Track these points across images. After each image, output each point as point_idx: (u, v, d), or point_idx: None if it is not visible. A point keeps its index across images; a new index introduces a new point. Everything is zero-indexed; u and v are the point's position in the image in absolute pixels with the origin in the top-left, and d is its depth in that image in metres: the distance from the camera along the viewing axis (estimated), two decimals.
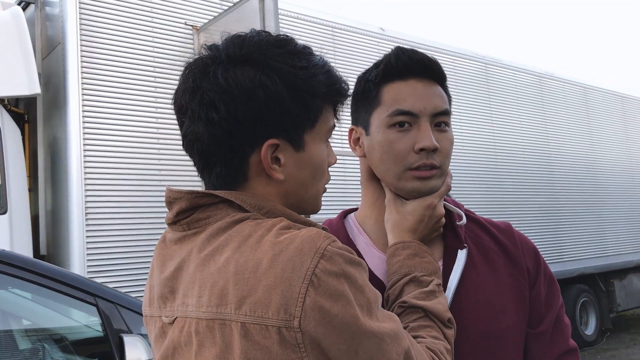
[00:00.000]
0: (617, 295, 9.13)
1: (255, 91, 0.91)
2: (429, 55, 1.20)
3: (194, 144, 0.95)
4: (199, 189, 0.99)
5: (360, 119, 1.22)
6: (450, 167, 1.21)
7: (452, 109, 1.22)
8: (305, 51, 0.99)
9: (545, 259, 1.26)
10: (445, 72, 1.22)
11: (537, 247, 1.29)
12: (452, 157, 1.20)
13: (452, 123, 1.21)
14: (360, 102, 1.22)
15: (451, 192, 1.28)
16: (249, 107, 0.91)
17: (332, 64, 1.02)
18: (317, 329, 0.82)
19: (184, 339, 0.91)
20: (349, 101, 1.08)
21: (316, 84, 0.96)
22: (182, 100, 0.96)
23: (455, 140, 1.22)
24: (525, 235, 1.31)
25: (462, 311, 1.13)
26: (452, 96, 1.24)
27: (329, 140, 1.05)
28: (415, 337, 1.00)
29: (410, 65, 1.17)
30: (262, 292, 0.82)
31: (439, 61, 1.22)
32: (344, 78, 1.03)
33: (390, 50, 1.21)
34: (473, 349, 1.12)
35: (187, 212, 0.96)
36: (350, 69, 5.92)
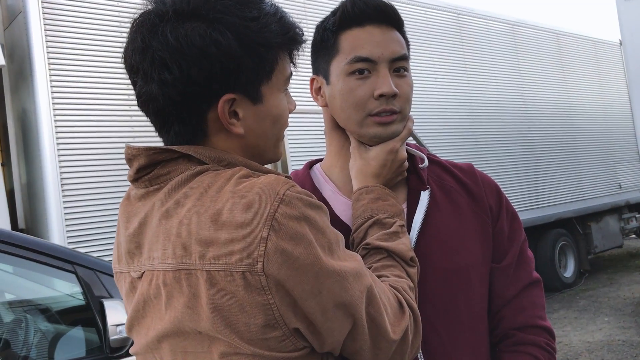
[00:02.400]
0: (594, 237, 9.35)
1: (207, 48, 0.89)
2: (385, 1, 1.19)
3: (149, 104, 0.95)
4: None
5: (321, 68, 1.22)
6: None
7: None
8: (255, 1, 0.96)
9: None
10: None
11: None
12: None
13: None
14: (319, 51, 1.22)
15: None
16: (202, 65, 0.90)
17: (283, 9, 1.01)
18: (280, 271, 0.83)
19: (152, 291, 0.93)
20: (306, 48, 1.08)
21: (269, 34, 0.94)
22: (133, 60, 0.94)
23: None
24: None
25: (427, 250, 1.16)
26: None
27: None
28: (379, 277, 1.02)
29: (366, 11, 1.17)
30: (225, 239, 0.84)
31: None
32: (298, 23, 1.02)
33: None
34: (439, 285, 1.16)
35: (147, 169, 0.97)
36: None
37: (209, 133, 0.96)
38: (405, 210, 1.20)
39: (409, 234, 1.17)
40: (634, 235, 10.57)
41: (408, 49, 1.21)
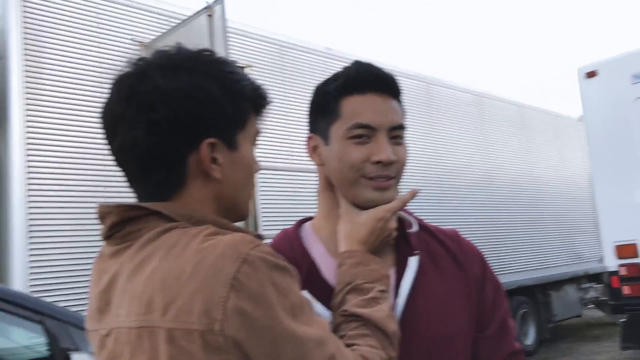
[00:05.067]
0: (554, 306, 9.44)
1: (193, 92, 0.96)
2: (386, 70, 1.25)
3: (131, 151, 0.97)
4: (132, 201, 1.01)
5: (319, 128, 1.25)
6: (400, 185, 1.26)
7: None
8: (229, 61, 1.06)
9: None
10: None
11: None
12: None
13: None
14: (318, 113, 1.25)
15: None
16: (188, 106, 0.95)
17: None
18: (239, 332, 0.83)
19: (118, 349, 0.93)
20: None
21: (243, 87, 1.02)
22: (118, 109, 0.97)
23: None
24: None
25: (414, 316, 1.16)
26: None
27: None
28: (351, 345, 1.01)
29: (368, 79, 1.21)
30: (186, 297, 0.84)
31: None
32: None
33: (340, 67, 1.26)
34: (425, 353, 1.16)
35: (119, 226, 0.98)
36: (297, 85, 6.02)
37: (187, 180, 0.98)
38: (393, 275, 1.21)
39: (395, 299, 1.17)
40: (592, 305, 10.72)
41: (404, 118, 1.26)
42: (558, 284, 9.67)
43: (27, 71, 4.35)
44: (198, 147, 0.97)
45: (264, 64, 5.95)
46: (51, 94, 4.47)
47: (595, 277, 10.43)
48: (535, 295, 9.23)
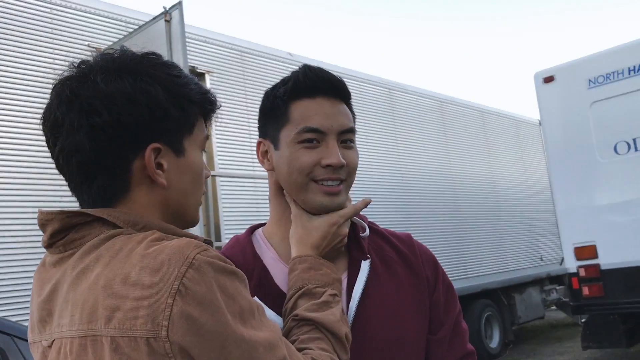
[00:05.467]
0: (517, 308, 9.58)
1: (137, 96, 0.93)
2: (335, 75, 1.24)
3: (73, 157, 0.94)
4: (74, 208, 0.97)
5: (269, 133, 1.24)
6: (357, 188, 1.26)
7: (358, 132, 1.27)
8: (175, 64, 1.04)
9: (450, 275, 1.33)
10: (352, 96, 1.27)
11: (443, 264, 1.36)
12: (358, 178, 1.25)
13: (358, 145, 1.25)
14: (268, 117, 1.24)
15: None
16: (131, 111, 0.93)
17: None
18: (185, 338, 0.81)
19: None
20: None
21: (190, 91, 1.00)
22: (58, 113, 0.94)
23: (361, 161, 1.27)
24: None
25: (366, 320, 1.16)
26: (358, 120, 1.28)
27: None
28: (302, 349, 1.01)
29: (317, 84, 1.20)
30: (130, 304, 0.82)
31: (346, 85, 1.26)
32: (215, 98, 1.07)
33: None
34: (377, 356, 1.16)
35: (61, 234, 0.95)
36: (259, 91, 5.96)
37: (131, 186, 0.96)
38: (345, 279, 1.21)
39: (348, 304, 1.17)
40: (554, 307, 10.92)
41: (354, 122, 1.25)
42: (521, 286, 9.83)
43: None
44: (143, 152, 0.94)
45: (224, 70, 5.90)
46: (3, 98, 4.34)
47: (557, 279, 10.65)
48: (499, 298, 9.36)
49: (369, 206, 1.26)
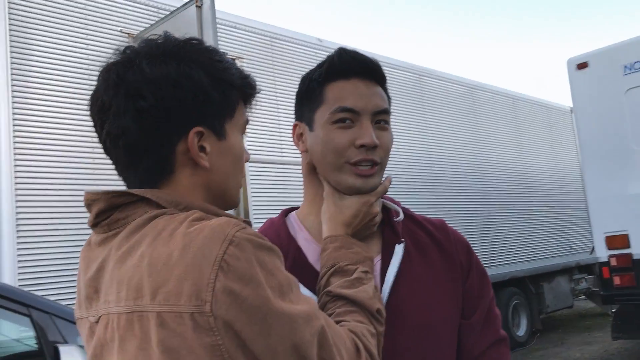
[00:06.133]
0: (546, 297, 9.51)
1: (180, 80, 0.96)
2: (370, 57, 1.24)
3: (120, 140, 0.96)
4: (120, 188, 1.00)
5: (305, 116, 1.25)
6: (386, 174, 1.26)
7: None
8: (216, 49, 1.06)
9: None
10: None
11: None
12: (388, 164, 1.25)
13: None
14: (304, 100, 1.26)
15: (388, 195, 1.33)
16: (175, 95, 0.95)
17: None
18: (228, 312, 0.84)
19: (108, 335, 0.93)
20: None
21: (232, 75, 1.02)
22: (105, 97, 0.97)
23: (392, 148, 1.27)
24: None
25: (399, 303, 1.17)
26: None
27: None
28: (339, 322, 1.03)
29: (352, 65, 1.21)
30: (175, 281, 0.85)
31: None
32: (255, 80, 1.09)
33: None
34: (410, 339, 1.16)
35: (106, 213, 0.98)
36: (288, 77, 5.99)
37: (175, 168, 0.99)
38: (379, 262, 1.22)
39: (382, 286, 1.18)
40: (583, 297, 10.79)
41: (389, 104, 1.26)
42: (550, 275, 9.73)
43: (13, 63, 4.31)
44: (186, 135, 0.97)
45: (254, 56, 5.92)
46: (39, 85, 4.43)
47: (586, 268, 10.51)
48: (528, 286, 9.29)
49: (398, 191, 1.26)
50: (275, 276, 0.89)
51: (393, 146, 1.28)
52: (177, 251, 0.86)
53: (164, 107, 0.95)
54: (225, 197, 1.05)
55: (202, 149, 0.99)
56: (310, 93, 1.24)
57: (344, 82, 1.21)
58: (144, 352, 0.87)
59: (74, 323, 1.06)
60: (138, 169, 0.98)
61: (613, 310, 6.76)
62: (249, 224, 0.96)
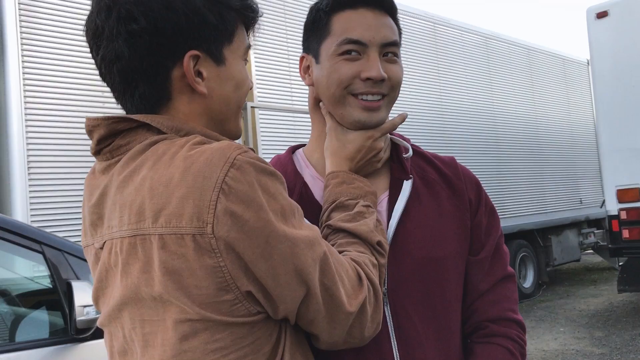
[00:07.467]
0: (553, 250, 9.55)
1: (173, 2, 0.93)
2: None
3: (114, 65, 0.95)
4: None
5: (311, 47, 1.22)
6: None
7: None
8: None
9: None
10: None
11: None
12: (399, 111, 1.21)
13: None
14: (311, 31, 1.22)
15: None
16: (168, 17, 0.92)
17: None
18: (230, 234, 0.84)
19: (112, 259, 0.94)
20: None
21: None
22: (98, 21, 0.95)
23: (402, 97, 1.22)
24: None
25: (406, 238, 1.17)
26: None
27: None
28: (341, 252, 1.03)
29: None
30: (176, 203, 0.85)
31: None
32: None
33: None
34: (415, 274, 1.16)
35: (107, 140, 0.97)
36: (298, 23, 5.85)
37: (173, 95, 0.97)
38: (387, 198, 1.21)
39: (388, 222, 1.17)
40: (591, 250, 10.84)
41: (400, 36, 1.22)
42: (559, 228, 9.75)
43: (21, 9, 4.26)
44: (181, 60, 0.94)
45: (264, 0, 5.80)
46: (47, 32, 4.40)
47: (595, 223, 10.52)
48: (536, 239, 9.32)
49: (410, 137, 1.23)
50: (277, 200, 0.89)
51: (405, 95, 1.24)
52: (178, 174, 0.86)
53: (156, 30, 0.92)
54: (226, 124, 1.03)
55: (198, 74, 0.96)
56: (317, 24, 1.20)
57: (351, 12, 1.16)
58: (146, 274, 0.88)
59: (85, 260, 1.06)
60: (134, 96, 0.97)
61: (620, 264, 6.80)
62: (253, 150, 0.95)
